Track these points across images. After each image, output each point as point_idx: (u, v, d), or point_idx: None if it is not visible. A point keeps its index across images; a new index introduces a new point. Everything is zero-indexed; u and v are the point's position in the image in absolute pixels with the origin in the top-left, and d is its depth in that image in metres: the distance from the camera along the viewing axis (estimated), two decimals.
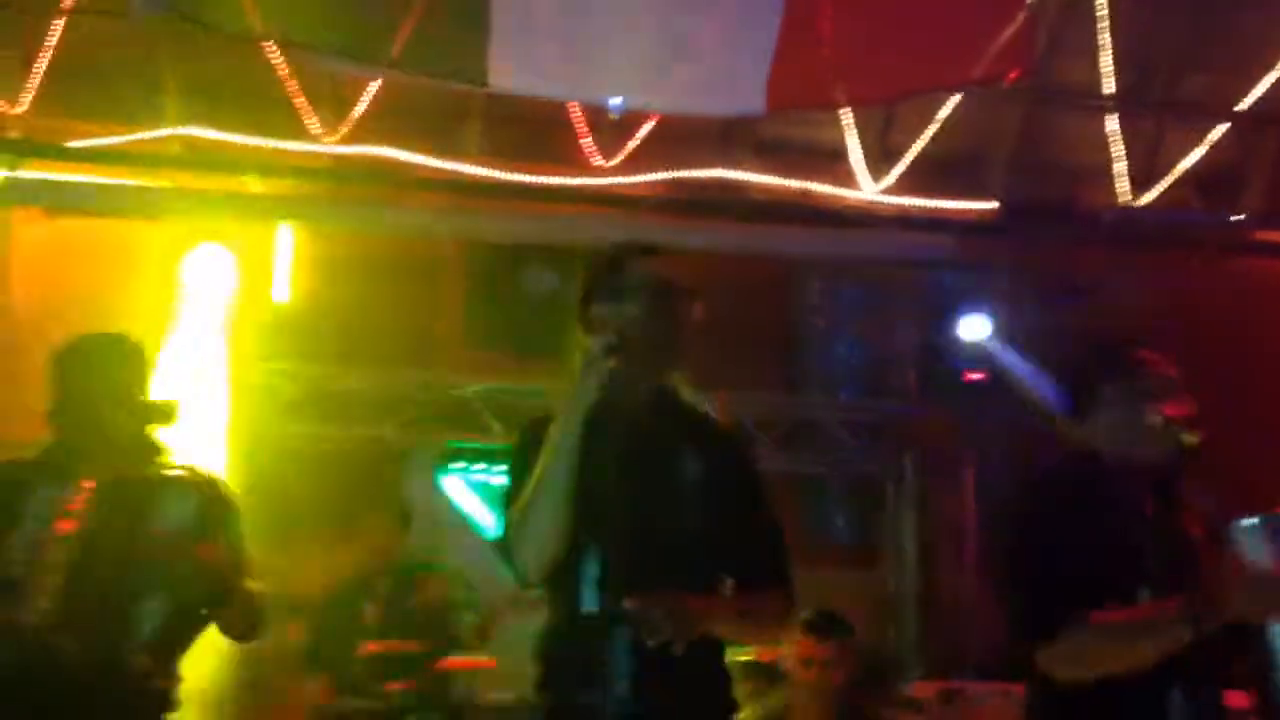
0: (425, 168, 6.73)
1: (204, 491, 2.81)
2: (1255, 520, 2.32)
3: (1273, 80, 6.56)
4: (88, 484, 2.65)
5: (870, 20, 4.59)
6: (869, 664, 4.62)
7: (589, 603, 2.24)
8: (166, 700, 2.74)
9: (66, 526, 2.60)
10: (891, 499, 6.42)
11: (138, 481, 2.70)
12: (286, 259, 6.63)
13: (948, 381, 6.16)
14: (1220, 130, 6.78)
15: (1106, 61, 6.66)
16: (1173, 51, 6.70)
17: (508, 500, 2.37)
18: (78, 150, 6.28)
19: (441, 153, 6.75)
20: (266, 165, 6.45)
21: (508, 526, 2.31)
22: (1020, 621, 2.41)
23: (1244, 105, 6.72)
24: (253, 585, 2.83)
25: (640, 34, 4.42)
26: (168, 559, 2.61)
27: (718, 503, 2.31)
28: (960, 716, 4.46)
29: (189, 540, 2.65)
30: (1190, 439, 2.43)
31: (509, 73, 4.20)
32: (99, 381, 2.76)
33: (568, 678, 2.30)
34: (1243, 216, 6.85)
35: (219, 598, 2.74)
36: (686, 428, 2.40)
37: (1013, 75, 4.56)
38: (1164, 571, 2.35)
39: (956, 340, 6.06)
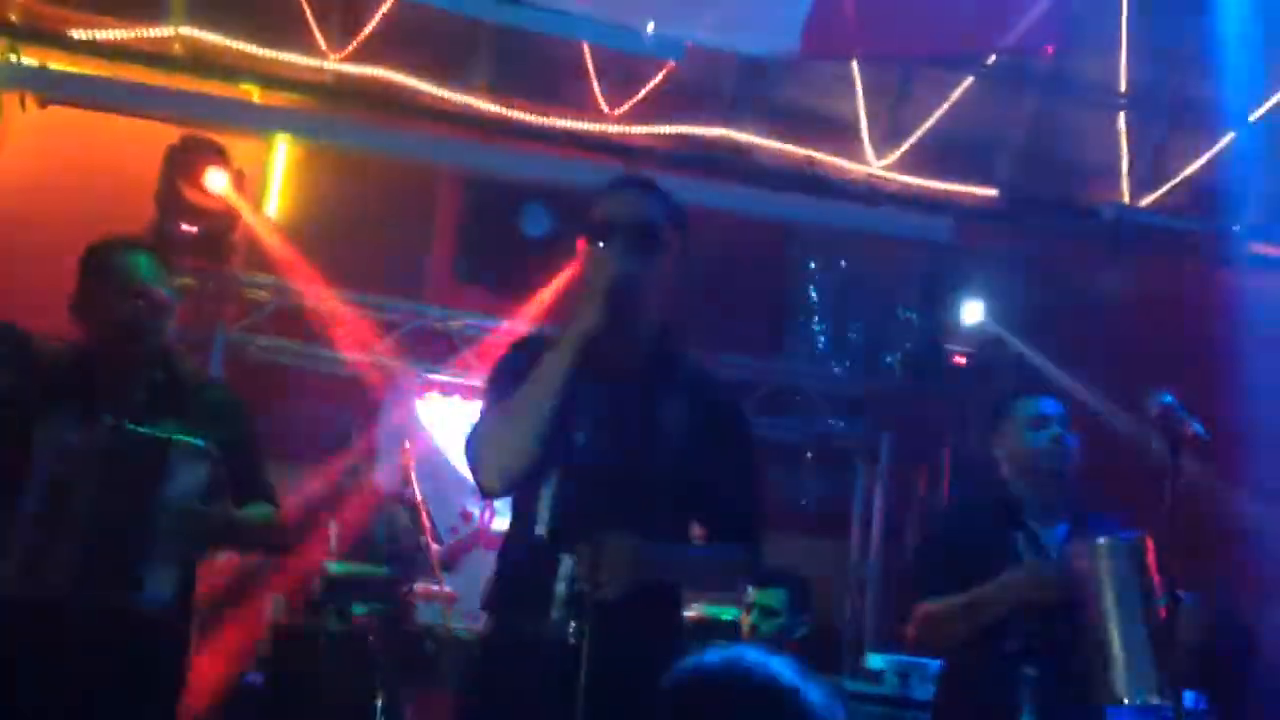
0: (430, 96, 6.64)
1: (222, 428, 2.76)
2: (1099, 541, 2.71)
3: None
4: (115, 434, 2.61)
5: None
6: (820, 629, 4.66)
7: (541, 527, 2.20)
8: (185, 643, 2.81)
9: (76, 478, 2.59)
10: (866, 473, 6.44)
11: (150, 442, 2.64)
12: (279, 173, 6.55)
13: (934, 362, 6.16)
14: (1227, 138, 6.78)
15: (1122, 59, 6.65)
16: (1191, 54, 6.68)
17: (484, 410, 2.34)
18: (78, 41, 6.14)
19: (448, 83, 6.66)
20: (268, 76, 6.34)
21: (480, 432, 2.27)
22: (902, 598, 2.80)
23: (1255, 116, 6.73)
24: (267, 515, 2.84)
25: None
26: (179, 525, 2.63)
27: (697, 451, 2.26)
28: (915, 688, 4.48)
29: (199, 505, 2.66)
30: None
31: None
32: (122, 281, 2.74)
33: (510, 602, 2.28)
34: (1238, 228, 6.87)
35: (233, 545, 2.82)
36: (677, 374, 2.36)
37: (1049, 49, 4.52)
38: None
39: (947, 322, 6.06)
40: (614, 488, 2.12)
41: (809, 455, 6.62)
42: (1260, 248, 6.94)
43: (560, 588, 2.17)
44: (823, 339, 6.92)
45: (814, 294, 7.02)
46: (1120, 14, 6.47)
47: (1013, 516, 2.95)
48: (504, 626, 2.29)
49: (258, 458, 2.89)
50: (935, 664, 4.72)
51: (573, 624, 2.14)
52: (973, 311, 5.98)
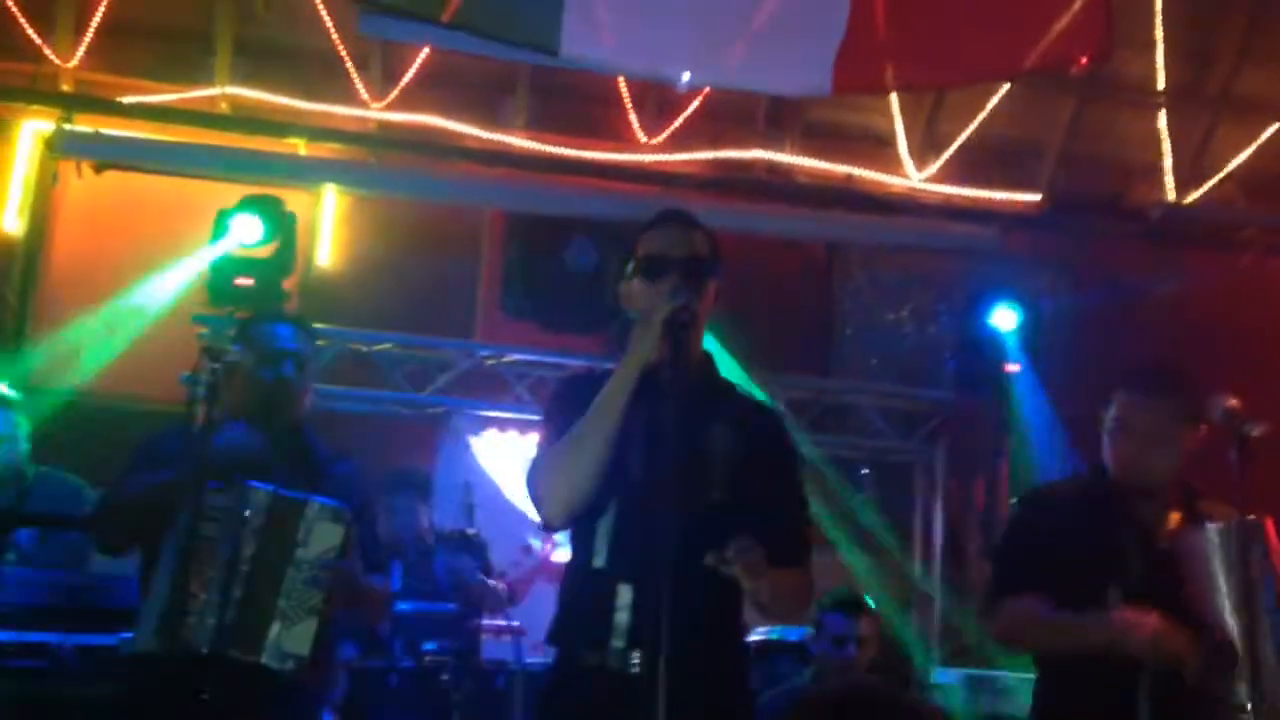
0: (470, 137, 6.77)
1: (352, 498, 2.82)
2: (1214, 527, 2.51)
3: None
4: (258, 498, 2.69)
5: (939, 3, 4.55)
6: (888, 647, 4.63)
7: (600, 559, 2.25)
8: (315, 700, 2.89)
9: (216, 539, 2.65)
10: (922, 486, 6.40)
11: (289, 502, 2.72)
12: (329, 222, 6.69)
13: (986, 372, 6.11)
14: (1272, 129, 6.70)
15: (1159, 58, 6.60)
16: (1230, 46, 6.62)
17: (542, 441, 2.39)
18: (128, 106, 6.34)
19: (487, 124, 6.79)
20: (313, 128, 6.50)
21: (542, 464, 2.32)
22: (983, 593, 2.71)
23: None
24: (384, 586, 2.99)
25: (710, 10, 4.39)
26: (315, 584, 2.68)
27: (747, 479, 2.29)
28: (985, 703, 4.44)
29: (334, 568, 2.70)
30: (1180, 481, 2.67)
31: (582, 43, 4.18)
32: (267, 349, 2.85)
33: (572, 633, 2.30)
34: None
35: (351, 608, 2.89)
36: (725, 401, 2.40)
37: (1084, 60, 4.49)
38: (1141, 579, 2.57)
39: (996, 331, 6.01)
40: (668, 517, 2.16)
41: (865, 471, 6.59)
42: None
43: (620, 618, 2.21)
44: (870, 353, 6.90)
45: (860, 309, 7.01)
46: (1155, 13, 6.44)
47: (1118, 506, 2.69)
48: (568, 658, 2.32)
49: (375, 527, 3.01)
50: (1007, 676, 4.71)
51: (635, 654, 2.18)
52: (1017, 319, 5.93)
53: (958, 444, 6.37)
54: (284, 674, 2.64)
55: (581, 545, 2.32)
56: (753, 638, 4.37)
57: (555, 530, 2.39)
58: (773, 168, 6.97)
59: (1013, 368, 6.10)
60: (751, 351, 6.37)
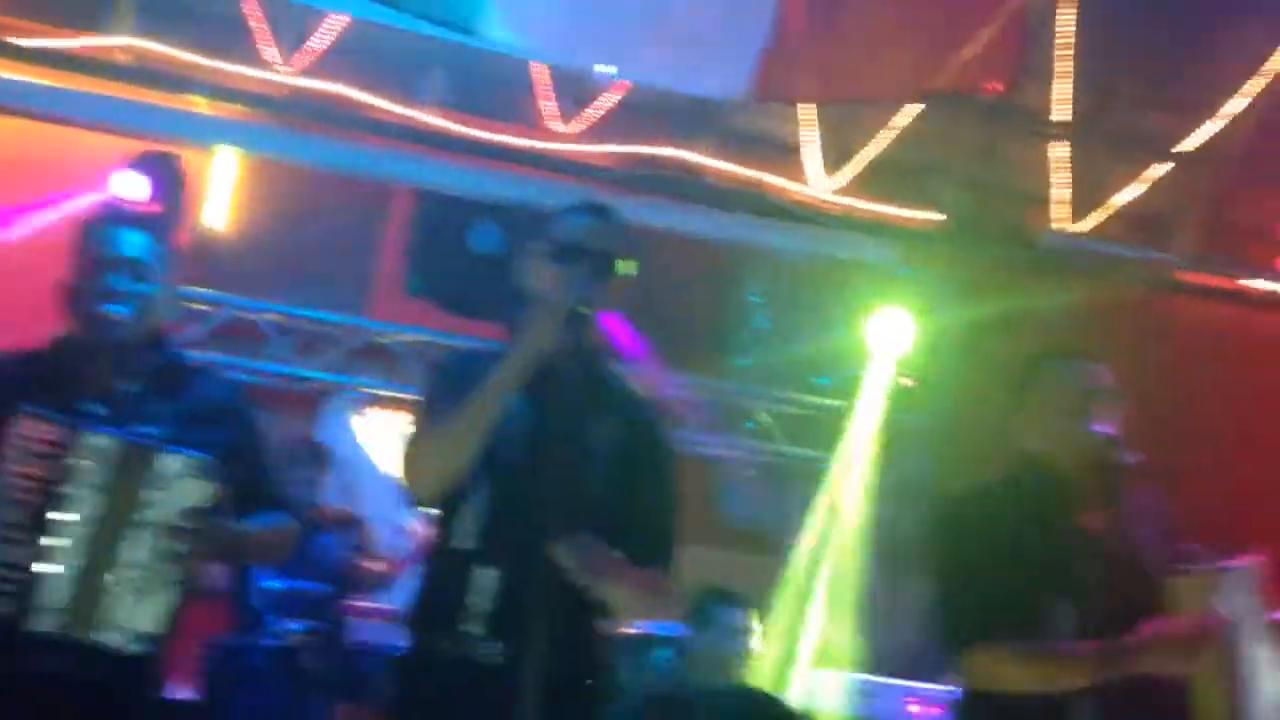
0: (382, 110, 6.64)
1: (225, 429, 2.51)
2: (1214, 569, 2.33)
3: (1218, 126, 6.74)
4: (100, 445, 2.33)
5: (861, 19, 4.64)
6: (764, 648, 4.69)
7: (463, 539, 2.22)
8: (157, 679, 2.53)
9: (51, 485, 2.30)
10: (811, 490, 6.50)
11: (137, 451, 2.36)
12: (225, 184, 6.51)
13: (876, 382, 6.24)
14: (1161, 169, 6.95)
15: (1063, 89, 6.80)
16: (1132, 85, 6.84)
17: (418, 421, 2.36)
18: (26, 49, 6.08)
19: (402, 99, 6.67)
20: (217, 87, 6.31)
21: (419, 440, 2.29)
22: (944, 631, 2.48)
23: (1185, 147, 6.90)
24: (278, 525, 2.59)
25: (635, 8, 4.40)
26: (169, 550, 2.35)
27: (620, 474, 2.29)
28: (854, 706, 4.53)
29: (195, 521, 2.37)
30: (1112, 451, 2.44)
31: (508, 27, 4.15)
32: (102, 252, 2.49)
33: (429, 617, 2.28)
34: (1173, 257, 7.04)
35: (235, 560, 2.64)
36: (612, 396, 2.39)
37: (992, 86, 4.63)
38: (1089, 585, 2.39)
39: (888, 342, 6.14)
40: (540, 505, 2.14)
41: (753, 474, 6.67)
42: (1194, 276, 7.12)
43: (481, 603, 2.18)
44: (766, 357, 7.00)
45: (760, 315, 7.09)
46: (1062, 47, 6.63)
47: (1056, 501, 2.49)
48: (422, 644, 2.29)
49: (265, 459, 2.62)
50: (876, 680, 4.80)
51: (494, 643, 2.16)
52: (912, 333, 6.07)
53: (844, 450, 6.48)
54: (121, 652, 2.33)
55: (449, 526, 2.29)
56: (630, 630, 4.39)
57: (423, 505, 2.35)
58: (685, 167, 7.00)
59: (906, 381, 6.24)
60: (648, 349, 6.42)
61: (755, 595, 4.30)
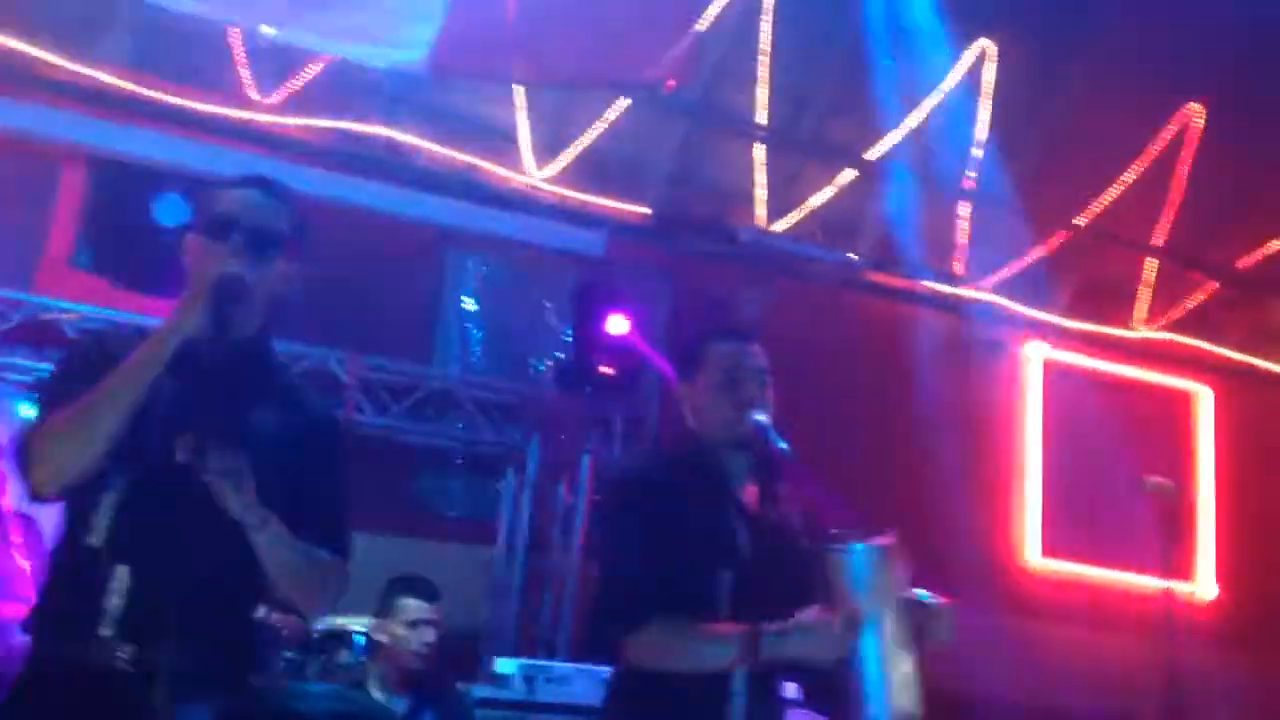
0: (56, 68, 6.08)
1: None
2: (859, 546, 2.34)
3: (899, 135, 7.33)
4: None
5: (551, 3, 4.67)
6: (457, 634, 4.67)
7: (97, 536, 2.04)
8: None
9: None
10: (513, 479, 6.51)
11: None
12: None
13: (582, 372, 6.33)
14: (848, 175, 7.47)
15: (762, 94, 7.18)
16: (823, 93, 7.30)
17: (42, 405, 2.15)
18: None
19: (79, 57, 6.13)
20: None
21: (42, 428, 2.08)
22: (606, 612, 2.48)
23: (871, 155, 7.45)
24: None
25: None
26: None
27: (277, 463, 2.10)
28: (543, 692, 4.56)
29: None
30: (762, 431, 2.48)
31: None
32: None
33: (54, 620, 2.10)
34: (856, 257, 7.58)
35: None
36: (272, 385, 2.26)
37: (671, 84, 4.80)
38: (751, 557, 2.46)
39: (596, 333, 6.24)
40: (185, 498, 1.98)
41: (459, 462, 6.61)
42: (876, 276, 7.70)
43: (113, 603, 2.01)
44: (476, 346, 6.96)
45: (468, 300, 7.04)
46: (761, 54, 7.00)
47: (716, 474, 2.55)
48: (45, 650, 2.08)
49: None
50: (564, 666, 4.86)
51: (125, 647, 2.00)
52: (619, 324, 6.19)
53: (550, 441, 6.54)
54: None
55: (77, 521, 2.09)
56: (317, 627, 4.24)
57: (43, 500, 2.13)
58: (393, 146, 6.83)
59: (608, 370, 6.36)
60: (353, 332, 6.21)
61: (454, 583, 4.23)
